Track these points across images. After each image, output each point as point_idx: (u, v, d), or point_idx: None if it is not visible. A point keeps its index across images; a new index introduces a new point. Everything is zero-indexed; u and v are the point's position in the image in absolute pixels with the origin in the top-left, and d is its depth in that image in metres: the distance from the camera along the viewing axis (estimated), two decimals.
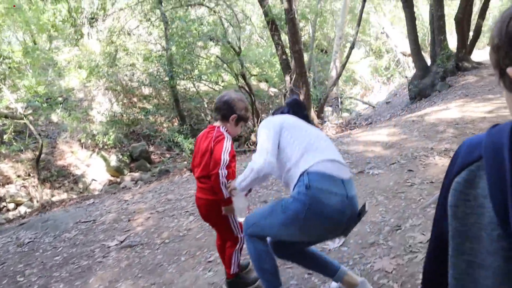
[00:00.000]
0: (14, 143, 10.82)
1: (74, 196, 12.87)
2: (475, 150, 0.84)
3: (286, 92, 12.66)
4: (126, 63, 14.12)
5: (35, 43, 17.09)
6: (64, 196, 13.05)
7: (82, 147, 14.79)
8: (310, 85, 16.21)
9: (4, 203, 12.22)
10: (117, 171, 14.12)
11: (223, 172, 2.49)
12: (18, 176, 13.20)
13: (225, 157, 2.51)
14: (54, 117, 15.55)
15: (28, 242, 4.70)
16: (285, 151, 2.24)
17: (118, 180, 13.90)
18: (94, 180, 14.02)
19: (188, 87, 15.30)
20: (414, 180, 4.07)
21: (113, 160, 14.30)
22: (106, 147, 14.50)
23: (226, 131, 2.71)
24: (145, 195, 5.96)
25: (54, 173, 13.69)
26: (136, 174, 14.22)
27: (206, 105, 16.22)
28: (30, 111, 16.08)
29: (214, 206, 2.67)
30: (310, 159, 2.16)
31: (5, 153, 13.67)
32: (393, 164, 4.71)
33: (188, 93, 15.37)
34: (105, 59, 13.82)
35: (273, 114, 2.62)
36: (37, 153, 14.24)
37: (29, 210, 12.07)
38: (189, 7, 12.10)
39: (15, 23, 12.98)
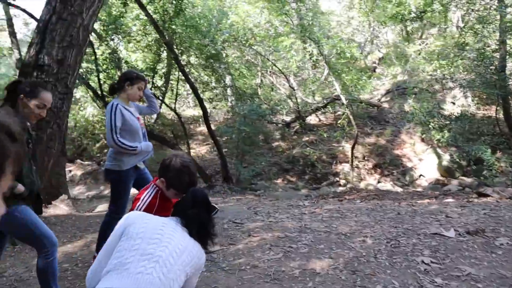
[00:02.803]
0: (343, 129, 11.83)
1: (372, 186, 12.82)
2: None
3: None
4: None
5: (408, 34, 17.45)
6: (389, 186, 13.19)
7: (421, 140, 14.26)
8: None
9: (337, 178, 13.72)
10: (447, 172, 12.82)
11: None
12: (355, 157, 14.35)
13: None
14: (406, 107, 15.60)
15: None
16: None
17: (446, 181, 12.62)
18: (422, 176, 13.34)
19: None
20: None
21: (446, 159, 13.02)
22: (440, 144, 13.36)
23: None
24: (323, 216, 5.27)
25: (387, 161, 13.98)
26: (468, 180, 12.43)
27: None
28: (387, 99, 16.86)
29: None
30: (106, 282, 1.71)
31: (350, 134, 15.13)
32: None
33: None
34: (454, 49, 12.40)
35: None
36: (380, 139, 14.96)
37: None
38: None
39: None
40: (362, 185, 13.31)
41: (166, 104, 12.56)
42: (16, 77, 14.60)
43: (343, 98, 11.62)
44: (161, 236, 1.88)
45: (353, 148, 12.15)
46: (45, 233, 2.67)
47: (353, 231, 4.07)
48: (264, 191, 12.70)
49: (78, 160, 14.49)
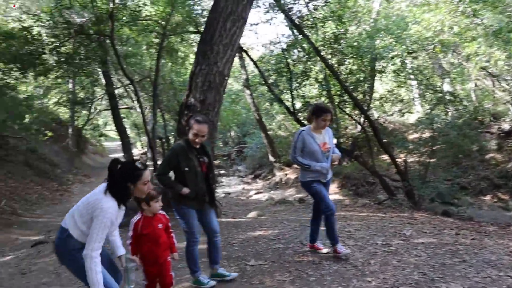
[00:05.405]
0: None
1: None
2: None
3: None
4: None
5: None
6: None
7: None
8: None
9: None
10: None
11: None
12: None
13: None
14: None
15: None
16: None
17: None
18: None
19: None
20: None
21: None
22: None
23: None
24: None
25: None
26: None
27: None
28: None
29: None
30: None
31: None
32: None
33: None
34: None
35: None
36: None
37: None
38: None
39: None
40: None
41: (349, 115, 12.45)
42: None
43: None
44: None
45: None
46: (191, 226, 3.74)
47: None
48: (466, 208, 11.33)
49: (294, 165, 16.41)
